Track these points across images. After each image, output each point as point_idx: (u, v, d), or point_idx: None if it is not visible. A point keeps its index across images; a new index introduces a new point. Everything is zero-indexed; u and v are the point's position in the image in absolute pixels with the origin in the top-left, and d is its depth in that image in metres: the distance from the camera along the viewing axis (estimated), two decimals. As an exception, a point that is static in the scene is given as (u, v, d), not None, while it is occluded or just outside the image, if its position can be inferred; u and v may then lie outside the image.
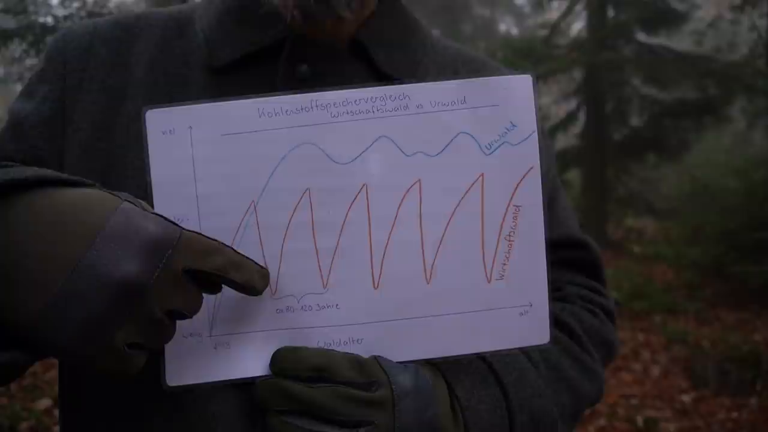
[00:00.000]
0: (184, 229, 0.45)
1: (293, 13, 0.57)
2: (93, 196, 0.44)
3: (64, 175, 0.46)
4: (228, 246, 0.48)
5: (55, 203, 0.43)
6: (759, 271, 4.63)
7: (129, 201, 0.45)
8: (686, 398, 3.54)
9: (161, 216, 0.45)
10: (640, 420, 3.25)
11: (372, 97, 0.52)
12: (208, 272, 0.46)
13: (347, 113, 0.52)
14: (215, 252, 0.46)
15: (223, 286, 0.49)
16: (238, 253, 0.48)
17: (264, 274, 0.50)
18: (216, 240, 0.47)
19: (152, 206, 0.51)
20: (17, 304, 0.41)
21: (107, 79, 0.61)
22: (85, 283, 0.41)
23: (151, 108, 0.51)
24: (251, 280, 0.48)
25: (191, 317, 0.47)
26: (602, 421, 3.24)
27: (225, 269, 0.46)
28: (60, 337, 0.41)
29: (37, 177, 0.44)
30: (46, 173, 0.45)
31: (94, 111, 0.60)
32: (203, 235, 0.46)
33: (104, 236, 0.42)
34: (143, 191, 0.51)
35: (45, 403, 3.01)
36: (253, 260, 0.49)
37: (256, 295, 0.50)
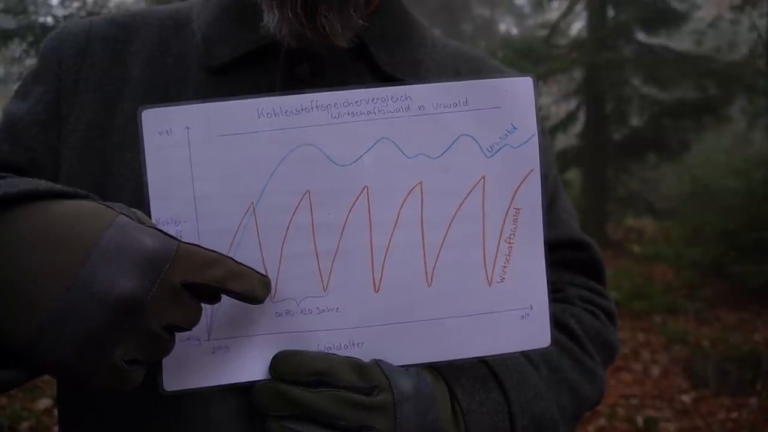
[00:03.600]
0: (181, 241, 0.44)
1: (289, 41, 0.56)
2: (87, 208, 0.44)
3: (58, 187, 0.45)
4: (227, 256, 0.47)
5: (49, 216, 0.43)
6: (759, 271, 4.62)
7: (124, 213, 0.44)
8: (686, 398, 3.54)
9: (157, 229, 0.45)
10: (640, 420, 3.24)
11: (373, 98, 0.52)
12: (206, 284, 0.45)
13: (348, 114, 0.52)
14: (214, 264, 0.45)
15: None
16: (238, 263, 0.48)
17: (265, 282, 0.50)
18: (215, 251, 0.46)
19: (149, 207, 0.50)
20: (13, 322, 0.41)
21: (103, 79, 0.60)
22: (81, 301, 0.40)
23: (148, 107, 0.51)
24: (251, 290, 0.48)
25: (190, 329, 0.46)
26: (602, 421, 3.24)
27: (224, 281, 0.46)
28: (57, 355, 0.41)
29: (29, 191, 0.43)
30: (39, 186, 0.44)
31: (90, 111, 0.59)
32: (201, 247, 0.46)
33: (100, 251, 0.41)
34: (141, 192, 0.51)
35: (45, 403, 3.00)
36: (253, 269, 0.49)
37: (257, 303, 0.49)
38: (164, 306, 0.43)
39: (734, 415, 3.30)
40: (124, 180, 0.57)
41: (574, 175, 7.66)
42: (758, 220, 4.94)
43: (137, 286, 0.41)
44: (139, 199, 0.51)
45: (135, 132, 0.52)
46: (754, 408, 3.35)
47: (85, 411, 0.58)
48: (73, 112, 0.60)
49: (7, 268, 0.41)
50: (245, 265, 0.48)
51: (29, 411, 2.91)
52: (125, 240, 0.42)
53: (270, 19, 0.55)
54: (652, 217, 7.69)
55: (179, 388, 0.51)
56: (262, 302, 0.50)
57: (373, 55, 0.62)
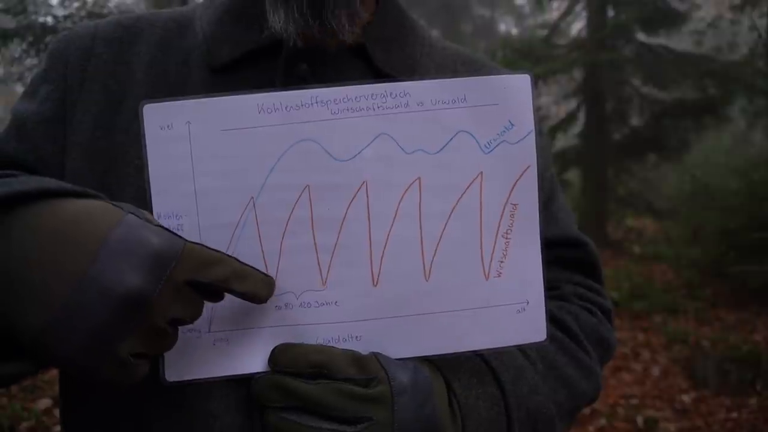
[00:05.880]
0: (186, 240, 0.45)
1: (296, 40, 0.57)
2: (96, 207, 0.45)
3: (68, 186, 0.46)
4: (232, 257, 0.48)
5: (59, 215, 0.44)
6: (759, 271, 4.62)
7: (132, 213, 0.45)
8: (686, 398, 3.54)
9: (164, 228, 0.45)
10: (640, 420, 3.25)
11: (372, 94, 0.52)
12: (210, 283, 0.46)
13: (347, 110, 0.52)
14: (218, 263, 0.46)
15: None
16: (242, 263, 0.49)
17: (269, 282, 0.51)
18: (219, 251, 0.47)
19: (150, 201, 0.51)
20: (22, 317, 0.42)
21: (108, 80, 0.61)
22: (89, 297, 0.41)
23: (149, 102, 0.51)
24: (255, 290, 0.49)
25: (192, 323, 0.47)
26: (602, 421, 3.24)
27: (227, 280, 0.47)
28: (65, 349, 0.42)
29: (40, 189, 0.44)
30: (50, 184, 0.45)
31: (95, 111, 0.60)
32: (206, 247, 0.47)
33: (108, 249, 0.42)
34: (143, 190, 0.52)
35: (45, 403, 3.01)
36: (257, 269, 0.50)
37: (261, 303, 0.50)
38: (169, 302, 0.44)
39: (734, 415, 3.30)
40: (127, 177, 0.58)
41: (574, 175, 7.65)
42: (758, 220, 4.94)
43: (144, 283, 0.42)
44: (142, 197, 0.51)
45: (138, 131, 0.53)
46: (754, 408, 3.35)
47: (86, 403, 0.59)
48: (78, 112, 0.61)
49: (17, 264, 0.42)
50: (249, 266, 0.49)
51: (29, 411, 2.92)
52: (133, 238, 0.43)
53: (275, 19, 0.56)
54: (652, 217, 7.69)
55: (180, 379, 0.52)
56: (265, 302, 0.51)
57: (370, 54, 0.63)
